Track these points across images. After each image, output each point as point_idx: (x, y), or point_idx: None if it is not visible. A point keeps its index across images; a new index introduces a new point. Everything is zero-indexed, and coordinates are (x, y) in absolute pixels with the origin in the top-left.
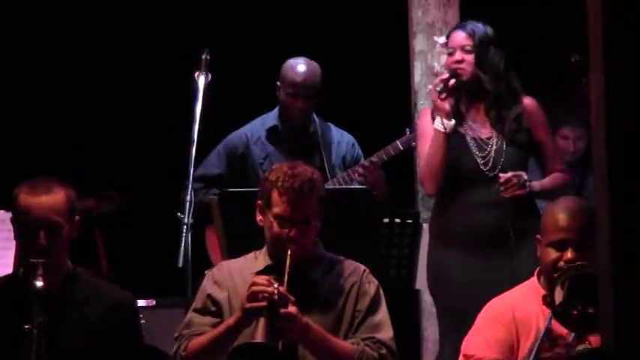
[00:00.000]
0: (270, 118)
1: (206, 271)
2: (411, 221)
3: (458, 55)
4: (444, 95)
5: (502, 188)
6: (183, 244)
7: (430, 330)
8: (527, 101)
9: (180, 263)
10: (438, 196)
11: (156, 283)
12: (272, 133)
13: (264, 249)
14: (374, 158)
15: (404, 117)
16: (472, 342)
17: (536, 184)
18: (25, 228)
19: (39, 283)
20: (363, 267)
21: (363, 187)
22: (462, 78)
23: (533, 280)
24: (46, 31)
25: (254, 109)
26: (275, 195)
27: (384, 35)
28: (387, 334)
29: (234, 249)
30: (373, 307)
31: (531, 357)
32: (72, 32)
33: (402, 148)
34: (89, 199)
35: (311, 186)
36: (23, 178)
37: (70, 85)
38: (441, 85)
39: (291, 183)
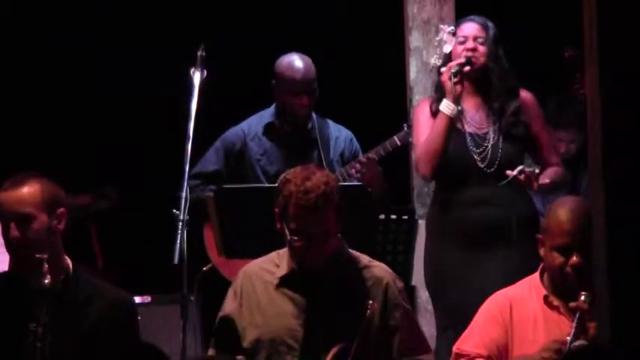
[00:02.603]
0: (268, 114)
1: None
2: (406, 217)
3: (471, 44)
4: (457, 79)
5: (523, 180)
6: (178, 241)
7: (425, 327)
8: (525, 95)
9: (176, 260)
10: (436, 192)
11: (151, 280)
12: (269, 129)
13: (287, 250)
14: (371, 154)
15: (400, 113)
16: (468, 338)
17: (547, 179)
18: (1, 223)
19: (46, 281)
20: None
21: (359, 183)
22: (475, 66)
23: (536, 277)
24: (40, 28)
25: (250, 106)
26: (290, 210)
27: (379, 31)
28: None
29: (230, 245)
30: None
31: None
32: (66, 29)
33: (399, 144)
34: (85, 196)
35: (326, 199)
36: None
37: (65, 81)
38: (457, 68)
39: (305, 200)
